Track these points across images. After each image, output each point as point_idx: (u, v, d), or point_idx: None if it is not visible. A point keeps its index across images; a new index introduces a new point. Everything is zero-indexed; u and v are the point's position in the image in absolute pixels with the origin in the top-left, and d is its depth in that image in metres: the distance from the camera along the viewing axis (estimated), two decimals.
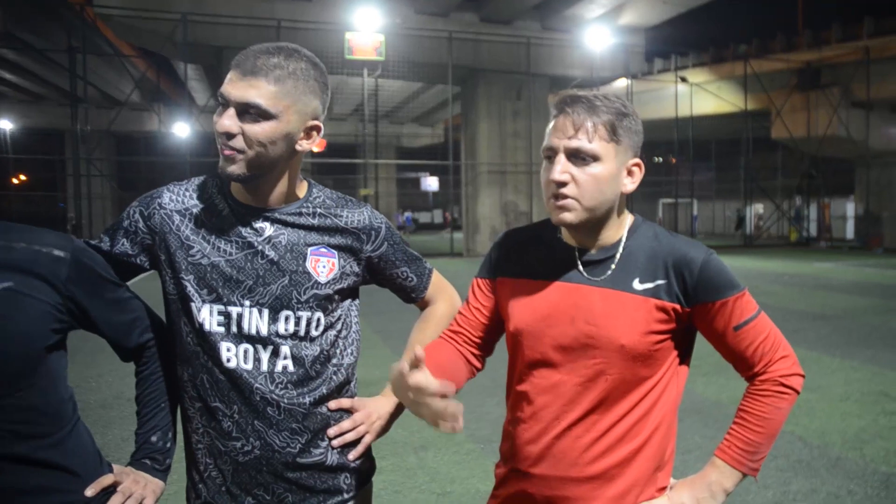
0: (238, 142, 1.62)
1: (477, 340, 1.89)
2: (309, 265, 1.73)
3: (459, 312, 1.92)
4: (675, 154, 34.63)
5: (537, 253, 1.78)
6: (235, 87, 1.62)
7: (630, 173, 1.69)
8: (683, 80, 33.18)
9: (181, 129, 31.96)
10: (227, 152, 1.63)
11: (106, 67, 32.17)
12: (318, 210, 1.78)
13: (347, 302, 1.85)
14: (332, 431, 1.80)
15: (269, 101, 1.61)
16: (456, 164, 29.70)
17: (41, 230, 1.65)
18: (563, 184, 1.62)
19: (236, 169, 1.64)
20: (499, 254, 1.86)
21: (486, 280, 1.88)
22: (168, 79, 36.78)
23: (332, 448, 1.81)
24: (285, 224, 1.74)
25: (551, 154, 1.65)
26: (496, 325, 1.88)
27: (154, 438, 1.78)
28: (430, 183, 46.60)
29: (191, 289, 1.70)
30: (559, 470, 1.68)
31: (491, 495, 1.86)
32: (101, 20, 23.64)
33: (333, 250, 1.77)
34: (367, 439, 1.86)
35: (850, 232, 36.11)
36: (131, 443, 1.83)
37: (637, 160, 1.71)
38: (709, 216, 48.04)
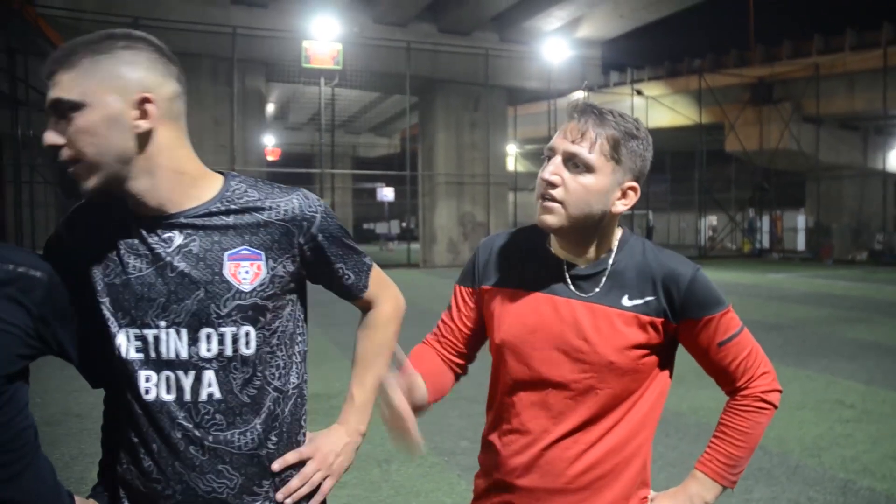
0: (65, 152, 1.39)
1: (462, 349, 1.86)
2: (227, 272, 1.48)
3: (442, 320, 1.87)
4: None
5: (524, 262, 1.74)
6: (47, 95, 1.40)
7: (624, 195, 1.65)
8: (639, 93, 33.59)
9: None
10: (69, 171, 1.40)
11: None
12: (235, 207, 1.51)
13: (287, 310, 1.58)
14: (279, 496, 1.56)
15: (70, 91, 1.37)
16: (413, 174, 29.61)
17: (15, 248, 1.48)
18: (553, 185, 1.59)
19: (86, 183, 1.40)
20: (482, 261, 1.81)
21: (468, 289, 1.83)
22: None
23: (275, 500, 1.57)
24: (195, 228, 1.49)
25: (550, 154, 1.63)
26: (480, 334, 1.84)
27: None
28: (387, 193, 46.42)
29: (107, 312, 1.49)
30: (546, 482, 1.66)
31: None
32: (44, 21, 22.99)
33: (258, 251, 1.50)
34: (326, 486, 1.63)
35: (801, 243, 36.78)
36: (80, 461, 1.69)
37: (633, 184, 1.66)
38: (664, 228, 48.62)
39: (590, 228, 1.65)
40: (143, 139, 1.43)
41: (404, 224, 45.00)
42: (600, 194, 1.60)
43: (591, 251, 1.68)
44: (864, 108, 30.06)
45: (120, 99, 1.39)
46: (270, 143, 38.59)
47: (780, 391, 1.72)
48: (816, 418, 6.30)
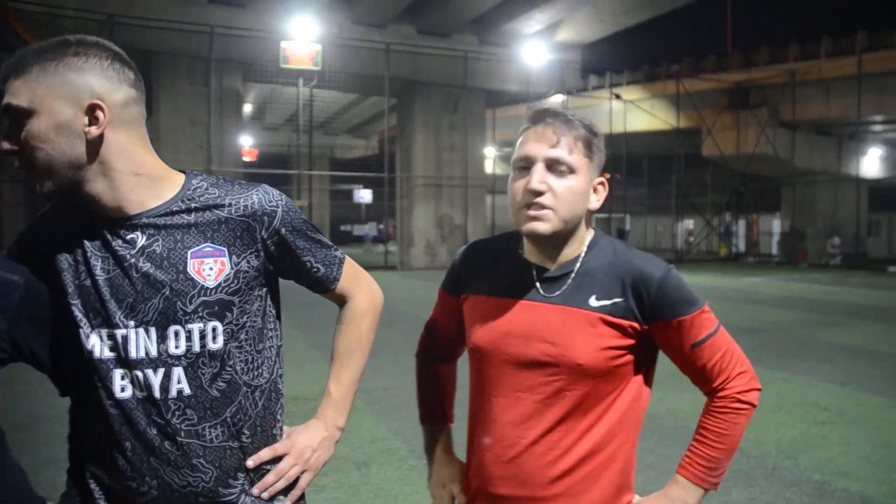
0: (20, 157, 1.41)
1: (456, 351, 1.97)
2: (191, 270, 1.50)
3: (434, 318, 1.95)
4: (608, 170, 35.10)
5: (498, 268, 1.76)
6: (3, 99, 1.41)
7: (595, 191, 1.69)
8: (618, 97, 33.73)
9: None
10: (26, 176, 1.43)
11: None
12: (195, 205, 1.53)
13: (255, 306, 1.59)
14: (255, 490, 1.58)
15: (20, 97, 1.38)
16: (391, 176, 29.54)
17: None
18: (540, 193, 1.59)
19: (41, 187, 1.43)
20: (462, 268, 1.84)
21: (451, 296, 1.87)
22: None
23: (250, 493, 1.58)
24: (157, 228, 1.50)
25: (526, 164, 1.63)
26: (463, 337, 1.86)
27: None
28: (364, 195, 46.28)
29: (78, 314, 1.49)
30: (524, 490, 1.65)
31: None
32: (15, 18, 22.66)
33: (221, 247, 1.53)
34: (304, 480, 1.65)
35: (776, 247, 37.10)
36: (50, 467, 1.65)
37: (602, 179, 1.71)
38: (640, 231, 48.89)
39: (572, 230, 1.66)
40: (95, 145, 1.44)
41: (381, 226, 44.86)
42: (583, 194, 1.64)
43: (563, 252, 1.69)
44: (838, 114, 30.41)
45: (69, 105, 1.40)
46: (247, 143, 38.37)
47: (758, 389, 1.71)
48: (793, 420, 6.35)
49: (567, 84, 31.61)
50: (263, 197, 1.59)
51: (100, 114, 1.43)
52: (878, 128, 34.44)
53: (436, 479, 1.91)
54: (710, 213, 37.32)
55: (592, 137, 1.65)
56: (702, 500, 1.69)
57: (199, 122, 23.91)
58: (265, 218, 1.57)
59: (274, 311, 1.66)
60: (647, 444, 5.58)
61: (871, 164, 36.33)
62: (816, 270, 27.27)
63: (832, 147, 34.18)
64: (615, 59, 40.09)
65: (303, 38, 24.64)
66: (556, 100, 31.06)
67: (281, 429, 1.66)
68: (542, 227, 1.60)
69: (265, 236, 1.58)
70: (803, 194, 33.82)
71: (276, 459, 1.61)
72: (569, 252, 1.69)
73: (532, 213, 1.60)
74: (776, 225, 38.38)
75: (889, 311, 14.60)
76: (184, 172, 1.58)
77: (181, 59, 23.83)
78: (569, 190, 1.60)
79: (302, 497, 1.67)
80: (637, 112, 34.08)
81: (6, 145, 1.40)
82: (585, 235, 1.71)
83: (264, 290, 1.62)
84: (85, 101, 1.41)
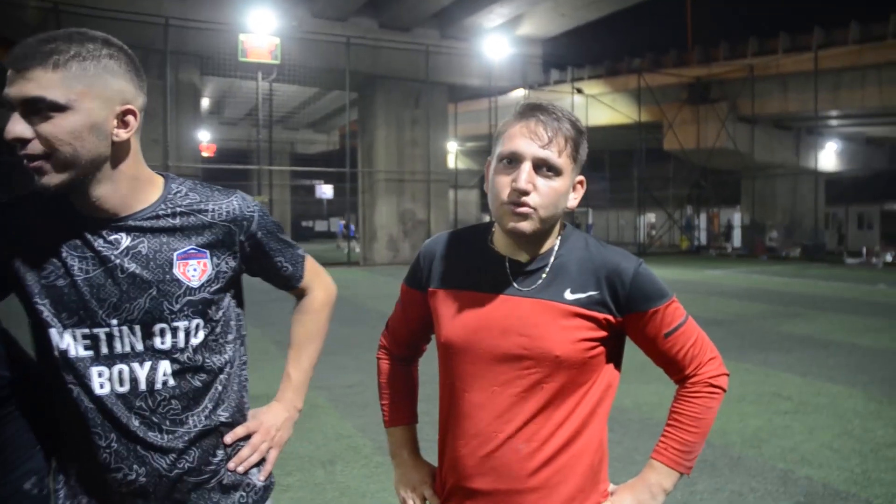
0: (35, 146, 1.41)
1: (413, 346, 1.97)
2: (177, 271, 1.59)
3: (393, 317, 1.95)
4: None
5: (467, 261, 1.75)
6: (13, 85, 1.39)
7: (574, 189, 1.70)
8: (579, 91, 33.91)
9: None
10: (31, 164, 1.42)
11: None
12: (180, 209, 1.61)
13: (227, 300, 1.71)
14: (231, 465, 1.70)
15: (56, 91, 1.39)
16: (353, 171, 29.32)
17: None
18: (527, 193, 1.59)
19: (49, 179, 1.44)
20: (428, 264, 1.81)
21: (415, 291, 1.85)
22: None
23: (227, 469, 1.70)
24: (143, 231, 1.57)
25: (513, 159, 1.61)
26: (428, 332, 1.90)
27: (28, 486, 1.57)
28: (325, 191, 45.94)
29: (47, 314, 1.52)
30: (502, 483, 1.66)
31: None
32: None
33: (204, 250, 1.63)
34: (272, 455, 1.79)
35: (737, 240, 37.53)
36: None
37: (581, 177, 1.71)
38: (603, 225, 49.20)
39: (551, 228, 1.68)
40: (118, 147, 1.51)
41: (343, 221, 44.61)
42: (565, 195, 1.65)
43: (536, 246, 1.69)
44: (796, 108, 30.87)
45: (103, 107, 1.45)
46: (206, 138, 37.89)
47: (727, 374, 1.76)
48: (756, 411, 6.41)
49: (529, 78, 31.65)
50: (242, 203, 1.70)
51: (131, 119, 1.51)
52: (834, 122, 35.00)
53: (404, 481, 1.91)
54: (671, 207, 37.67)
55: (580, 137, 1.66)
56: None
57: (155, 116, 23.42)
58: (244, 222, 1.69)
59: (236, 302, 1.76)
60: (613, 437, 5.56)
61: (828, 158, 36.91)
62: (776, 262, 27.64)
63: (791, 141, 34.68)
64: (577, 53, 40.26)
65: (262, 32, 24.25)
66: (518, 94, 31.09)
67: (247, 406, 1.78)
68: (526, 225, 1.60)
69: (243, 239, 1.70)
70: (763, 187, 34.30)
71: (247, 438, 1.74)
72: (542, 246, 1.69)
73: (518, 211, 1.60)
74: (737, 218, 38.85)
75: (846, 301, 14.83)
76: (162, 176, 1.65)
77: (134, 51, 22.37)
78: (553, 191, 1.61)
79: (271, 474, 1.80)
80: (598, 106, 34.27)
81: (24, 131, 1.40)
82: (557, 229, 1.73)
83: (234, 287, 1.74)
84: (117, 104, 1.47)
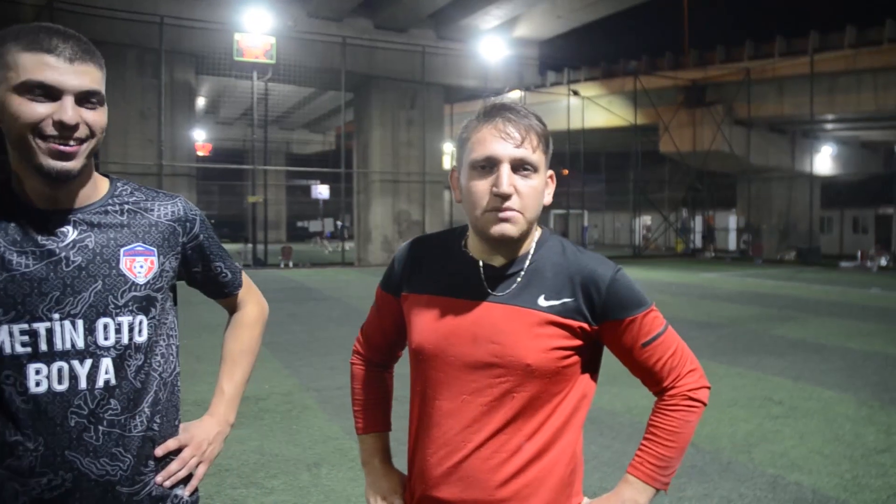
0: (83, 131, 1.48)
1: (394, 355, 1.94)
2: (124, 266, 1.60)
3: (368, 321, 1.91)
4: (566, 166, 35.24)
5: (441, 267, 1.71)
6: (65, 73, 1.46)
7: (547, 185, 1.66)
8: (576, 93, 33.87)
9: None
10: (68, 149, 1.47)
11: None
12: (127, 206, 1.65)
13: (168, 304, 1.71)
14: (159, 478, 1.66)
15: (102, 87, 1.53)
16: (348, 172, 29.28)
17: None
18: (509, 196, 1.55)
19: (76, 164, 1.49)
20: (402, 268, 1.77)
21: (390, 295, 1.81)
22: None
23: (155, 482, 1.65)
24: (91, 225, 1.59)
25: (488, 164, 1.56)
26: (402, 338, 1.85)
27: None
28: (321, 191, 45.79)
29: None
30: (470, 493, 1.61)
31: None
32: None
33: (151, 247, 1.65)
34: (200, 471, 1.74)
35: (732, 243, 37.57)
36: None
37: (551, 171, 1.67)
38: (599, 227, 49.19)
39: (532, 228, 1.63)
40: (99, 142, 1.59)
41: (339, 223, 44.51)
42: (542, 191, 1.62)
43: (513, 250, 1.64)
44: (792, 112, 30.93)
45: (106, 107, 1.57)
46: (201, 137, 37.79)
47: (708, 387, 1.69)
48: (747, 415, 6.37)
49: (525, 80, 31.63)
50: (186, 206, 1.74)
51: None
52: (829, 126, 35.06)
53: (374, 489, 1.87)
54: (667, 209, 37.67)
55: (547, 132, 1.63)
56: (657, 498, 1.63)
57: (150, 116, 23.37)
58: (188, 224, 1.72)
59: (174, 311, 1.77)
60: (603, 441, 5.57)
61: (823, 161, 36.96)
62: (771, 266, 27.65)
63: (786, 144, 34.72)
64: (573, 55, 40.38)
65: (257, 31, 24.22)
66: (514, 96, 31.05)
67: (179, 420, 1.74)
68: (512, 229, 1.56)
69: (185, 241, 1.72)
70: (758, 190, 34.32)
71: (178, 451, 1.70)
72: (519, 249, 1.65)
73: (502, 216, 1.55)
74: (732, 221, 38.87)
75: (840, 306, 14.81)
76: (105, 176, 1.67)
77: (129, 49, 23.22)
78: (533, 190, 1.57)
79: (196, 489, 1.76)
80: (595, 108, 34.25)
81: (75, 117, 1.46)
82: (534, 233, 1.68)
83: (173, 291, 1.76)
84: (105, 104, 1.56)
